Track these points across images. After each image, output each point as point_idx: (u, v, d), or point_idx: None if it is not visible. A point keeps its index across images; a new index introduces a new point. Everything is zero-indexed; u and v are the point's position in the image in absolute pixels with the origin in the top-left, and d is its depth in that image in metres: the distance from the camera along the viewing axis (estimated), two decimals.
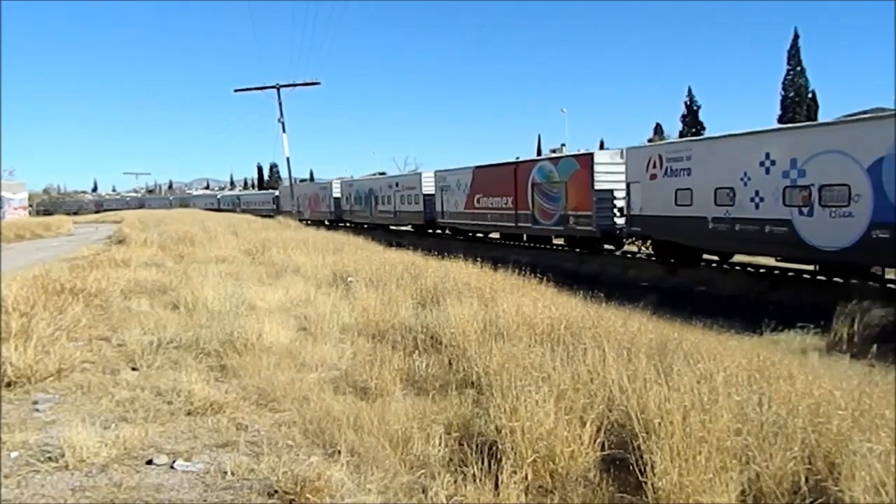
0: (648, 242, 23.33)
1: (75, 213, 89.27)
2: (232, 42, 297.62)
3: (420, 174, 42.12)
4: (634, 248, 24.74)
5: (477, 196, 32.89)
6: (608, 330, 7.17)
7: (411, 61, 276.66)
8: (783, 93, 61.59)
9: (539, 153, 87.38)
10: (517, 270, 13.54)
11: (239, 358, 7.21)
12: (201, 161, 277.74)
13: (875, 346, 8.96)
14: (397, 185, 43.56)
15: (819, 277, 18.36)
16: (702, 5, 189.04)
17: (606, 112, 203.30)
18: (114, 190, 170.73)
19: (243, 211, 74.99)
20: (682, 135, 65.54)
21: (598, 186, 24.59)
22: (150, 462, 4.70)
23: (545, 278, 12.80)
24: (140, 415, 5.65)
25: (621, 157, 24.51)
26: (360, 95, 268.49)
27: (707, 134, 52.49)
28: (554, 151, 39.67)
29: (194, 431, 5.32)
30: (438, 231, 38.91)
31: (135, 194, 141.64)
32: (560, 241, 27.88)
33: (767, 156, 17.62)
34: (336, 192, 54.33)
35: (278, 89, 56.92)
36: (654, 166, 21.70)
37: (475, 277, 12.13)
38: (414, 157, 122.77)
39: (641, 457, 4.05)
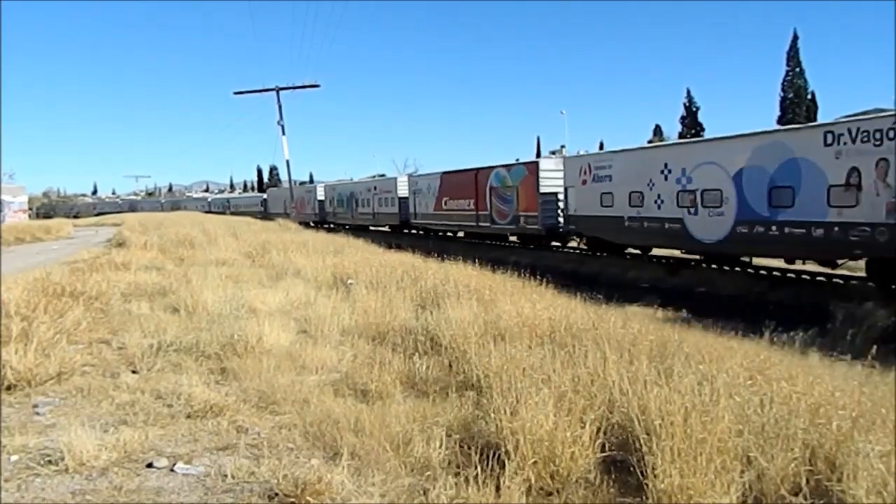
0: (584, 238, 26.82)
1: (76, 217, 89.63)
2: (232, 44, 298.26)
3: (395, 179, 45.33)
4: (574, 244, 28.15)
5: (444, 199, 36.54)
6: (608, 331, 7.16)
7: (411, 62, 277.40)
8: (782, 94, 61.53)
9: (538, 155, 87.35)
10: (517, 272, 13.54)
11: (239, 360, 7.21)
12: (201, 164, 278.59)
13: (875, 347, 8.95)
14: (375, 188, 46.92)
15: (819, 278, 18.39)
16: (702, 6, 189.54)
17: (606, 113, 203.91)
18: (114, 193, 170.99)
19: (233, 213, 77.59)
20: (681, 136, 65.49)
21: (542, 190, 27.83)
22: (150, 465, 4.70)
23: (545, 280, 12.79)
24: (140, 418, 5.64)
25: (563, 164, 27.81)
26: (360, 97, 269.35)
27: (706, 135, 52.74)
28: (554, 153, 39.82)
29: (194, 434, 5.31)
30: (414, 231, 41.52)
31: (135, 197, 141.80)
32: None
33: (666, 165, 21.25)
34: (320, 195, 57.47)
35: (277, 92, 57.08)
36: (585, 173, 25.15)
37: (475, 279, 12.13)
38: (414, 159, 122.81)
39: (642, 458, 4.04)
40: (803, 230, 16.79)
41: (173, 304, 10.85)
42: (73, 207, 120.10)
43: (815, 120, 50.76)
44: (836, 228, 15.94)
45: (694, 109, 69.08)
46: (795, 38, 60.99)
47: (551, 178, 27.61)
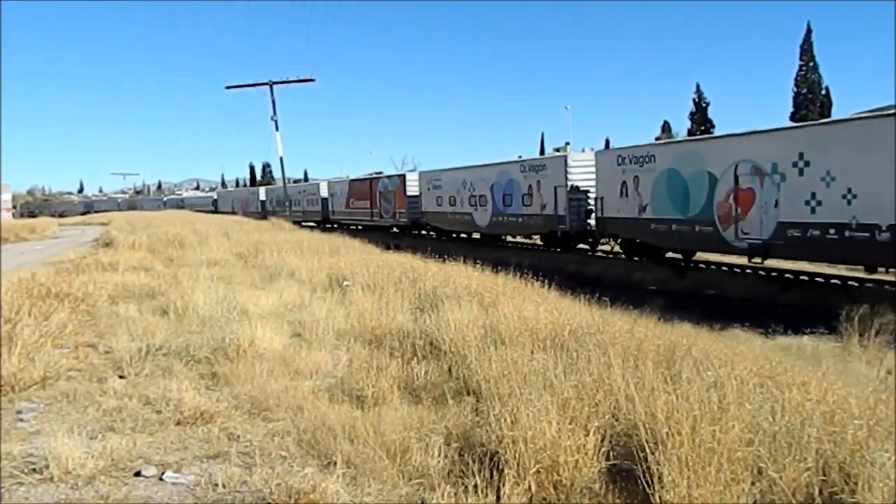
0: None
1: (61, 216, 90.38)
2: (224, 38, 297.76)
3: (318, 184, 59.58)
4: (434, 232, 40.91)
5: (351, 200, 50.77)
6: (614, 335, 7.16)
7: (410, 57, 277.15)
8: (796, 89, 61.58)
9: (542, 152, 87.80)
10: (519, 273, 13.53)
11: (231, 365, 7.20)
12: (193, 161, 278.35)
13: (886, 350, 8.95)
14: (304, 191, 62.38)
15: (833, 281, 18.41)
16: None
17: (613, 109, 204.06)
18: (100, 191, 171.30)
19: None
20: (690, 133, 65.55)
21: (408, 193, 41.14)
22: (138, 474, 4.69)
23: (547, 281, 12.79)
24: (128, 424, 5.64)
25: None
26: (358, 93, 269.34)
27: (716, 132, 53.09)
28: (557, 150, 41.34)
29: (184, 442, 5.31)
30: (332, 225, 52.23)
31: (122, 195, 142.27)
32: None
33: (465, 180, 35.14)
34: (262, 197, 73.56)
35: (271, 86, 57.14)
36: (429, 182, 39.49)
37: (475, 281, 12.13)
38: (412, 157, 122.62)
39: (648, 468, 4.04)
40: (515, 218, 30.96)
41: (162, 306, 10.85)
42: (62, 206, 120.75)
43: (828, 116, 51.00)
44: (527, 217, 29.98)
45: (703, 105, 69.16)
46: (809, 31, 61.16)
47: (413, 186, 41.06)
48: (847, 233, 16.12)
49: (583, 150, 35.58)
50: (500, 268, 14.43)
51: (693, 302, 17.79)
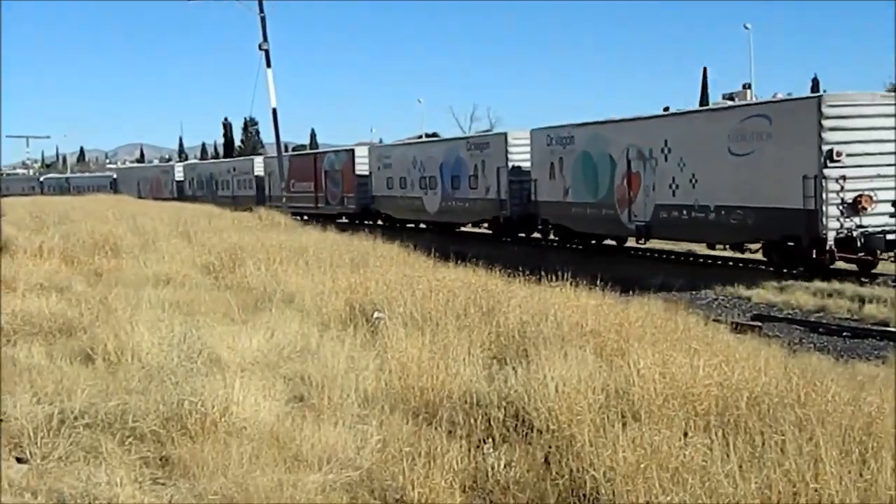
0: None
1: None
2: None
3: (252, 160, 74.89)
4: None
5: (292, 181, 61.78)
6: (824, 408, 7.04)
7: None
8: None
9: (704, 100, 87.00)
10: (664, 300, 13.42)
11: (192, 445, 7.33)
12: (137, 119, 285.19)
13: None
14: (234, 169, 76.25)
15: None
16: None
17: (823, 34, 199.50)
18: None
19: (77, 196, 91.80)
20: None
21: (358, 172, 53.61)
22: None
23: (713, 314, 12.65)
24: None
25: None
26: (400, 11, 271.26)
27: None
28: (731, 97, 40.14)
29: None
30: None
31: (23, 170, 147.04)
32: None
33: (415, 159, 48.72)
34: (178, 176, 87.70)
35: None
36: (379, 160, 52.69)
37: (591, 314, 12.07)
38: (490, 109, 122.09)
39: None
40: (463, 203, 43.19)
41: (86, 348, 11.09)
42: None
43: None
44: (473, 201, 42.27)
45: None
46: None
47: (363, 164, 53.02)
48: (693, 213, 27.81)
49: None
50: (633, 291, 14.36)
51: None
